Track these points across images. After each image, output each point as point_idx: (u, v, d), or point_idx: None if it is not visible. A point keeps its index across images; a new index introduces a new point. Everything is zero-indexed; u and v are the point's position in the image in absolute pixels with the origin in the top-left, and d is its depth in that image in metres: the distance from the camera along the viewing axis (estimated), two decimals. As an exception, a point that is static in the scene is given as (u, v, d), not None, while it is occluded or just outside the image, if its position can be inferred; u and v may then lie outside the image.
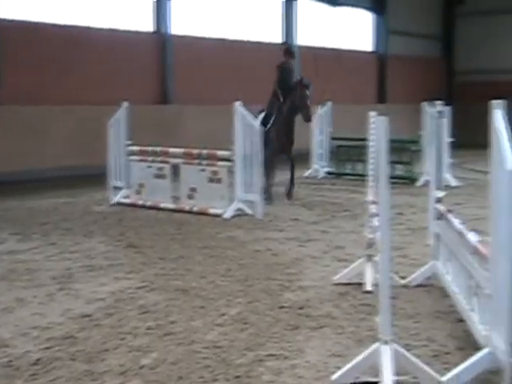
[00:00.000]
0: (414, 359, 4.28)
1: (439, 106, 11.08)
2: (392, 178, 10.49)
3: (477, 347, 4.47)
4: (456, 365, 4.34)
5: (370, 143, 6.18)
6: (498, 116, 4.22)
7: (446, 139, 13.05)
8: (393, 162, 13.56)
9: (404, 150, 14.44)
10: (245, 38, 20.58)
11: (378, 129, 4.68)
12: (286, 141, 12.07)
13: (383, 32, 25.77)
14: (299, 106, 11.83)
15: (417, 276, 6.56)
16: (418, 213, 10.43)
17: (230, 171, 10.63)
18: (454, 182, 13.81)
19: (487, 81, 26.43)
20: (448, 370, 4.33)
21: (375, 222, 5.48)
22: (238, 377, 4.45)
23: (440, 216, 6.27)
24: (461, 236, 5.37)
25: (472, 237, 5.05)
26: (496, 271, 4.17)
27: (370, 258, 6.35)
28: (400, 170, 14.38)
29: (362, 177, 12.33)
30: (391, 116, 5.05)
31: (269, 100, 12.32)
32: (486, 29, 27.39)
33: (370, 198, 6.29)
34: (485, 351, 4.27)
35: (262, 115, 12.04)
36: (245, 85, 19.53)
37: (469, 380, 4.25)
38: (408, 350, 4.38)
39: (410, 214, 10.56)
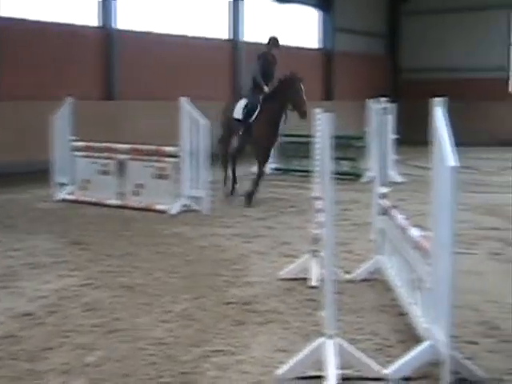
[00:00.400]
0: (357, 353, 4.35)
1: (384, 102, 11.26)
2: (337, 174, 10.60)
3: (419, 340, 4.55)
4: (399, 358, 4.42)
5: (316, 140, 6.22)
6: (438, 114, 4.30)
7: (391, 136, 13.23)
8: (338, 158, 13.60)
9: (349, 146, 14.58)
10: (191, 34, 20.48)
11: (322, 125, 4.73)
12: (272, 136, 11.45)
13: (329, 29, 25.95)
14: (294, 101, 10.98)
15: (361, 271, 6.64)
16: (362, 208, 10.55)
17: (177, 167, 10.58)
18: (398, 178, 14.01)
19: (432, 79, 26.87)
20: (391, 362, 4.41)
21: (320, 217, 5.52)
22: (183, 373, 4.44)
23: (384, 211, 6.36)
24: (404, 231, 5.46)
25: (414, 232, 5.14)
26: (437, 266, 4.26)
27: (315, 253, 6.40)
28: (345, 166, 14.51)
29: (308, 173, 12.40)
30: (337, 113, 5.11)
31: (249, 90, 11.81)
32: (430, 27, 27.82)
33: (315, 193, 6.34)
34: (426, 344, 4.35)
35: (239, 104, 11.61)
36: (191, 80, 19.47)
37: (411, 372, 4.33)
38: (352, 344, 4.44)
39: (356, 210, 10.68)
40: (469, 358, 4.45)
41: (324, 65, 26.05)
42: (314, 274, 6.33)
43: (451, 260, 4.17)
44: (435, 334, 4.28)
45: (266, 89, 11.39)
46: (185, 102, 10.59)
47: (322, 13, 25.91)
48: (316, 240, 6.28)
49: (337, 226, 4.55)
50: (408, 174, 14.86)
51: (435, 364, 4.25)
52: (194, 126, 10.51)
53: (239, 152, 12.18)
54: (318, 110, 6.20)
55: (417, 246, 4.94)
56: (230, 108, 11.85)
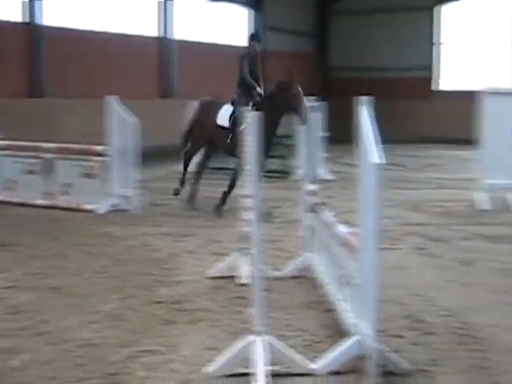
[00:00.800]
0: (286, 349, 4.40)
1: (313, 101, 11.39)
2: (267, 172, 10.69)
3: (346, 335, 4.63)
4: (327, 353, 4.49)
5: (245, 138, 6.24)
6: (363, 112, 4.39)
7: (320, 134, 13.38)
8: (268, 157, 13.73)
9: (279, 144, 14.66)
10: (120, 31, 20.25)
11: (250, 124, 4.76)
12: (266, 147, 9.38)
13: (260, 28, 26.05)
14: (294, 106, 9.71)
15: (290, 268, 6.71)
16: (292, 206, 10.63)
17: (105, 166, 10.45)
18: (327, 176, 14.19)
19: (361, 77, 27.29)
20: (320, 358, 4.47)
21: (249, 215, 5.54)
22: (111, 374, 4.40)
23: (312, 209, 6.44)
24: (332, 228, 5.55)
25: (342, 229, 5.23)
26: (364, 261, 4.34)
27: (244, 251, 6.43)
28: (275, 165, 14.59)
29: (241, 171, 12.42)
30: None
31: (237, 95, 10.46)
32: (360, 27, 28.23)
33: (245, 191, 6.36)
34: (354, 338, 4.43)
35: (225, 110, 10.46)
36: (120, 78, 19.25)
37: (339, 367, 4.41)
38: (281, 341, 4.49)
39: (286, 208, 10.76)
40: (395, 351, 4.55)
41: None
42: (243, 272, 6.36)
43: (377, 256, 4.27)
44: (362, 328, 4.37)
45: (259, 89, 10.32)
46: (112, 101, 10.47)
47: (252, 11, 25.99)
48: (245, 238, 6.30)
49: (266, 223, 4.58)
50: (337, 172, 15.04)
51: (363, 358, 4.33)
52: (123, 124, 10.40)
53: (205, 167, 11.23)
54: (244, 109, 6.24)
55: (344, 243, 5.02)
56: (208, 112, 10.66)
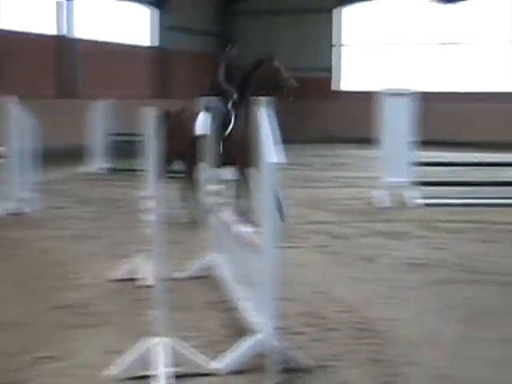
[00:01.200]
0: (188, 350, 4.39)
1: (210, 102, 11.37)
2: (169, 172, 10.60)
3: (249, 334, 4.66)
4: (229, 352, 4.51)
5: (145, 138, 6.19)
6: (262, 112, 4.43)
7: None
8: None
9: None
10: (16, 29, 19.65)
11: (150, 124, 4.73)
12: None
13: (163, 27, 25.88)
14: (275, 84, 9.37)
15: (194, 269, 6.70)
16: (196, 207, 10.62)
17: (2, 169, 10.14)
18: (232, 176, 14.21)
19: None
20: (222, 357, 4.49)
21: (151, 216, 5.50)
22: (12, 382, 4.29)
23: (216, 209, 6.46)
24: (234, 228, 5.58)
25: (243, 228, 5.27)
26: (264, 260, 4.39)
27: (146, 253, 6.37)
28: (178, 165, 14.47)
29: (142, 172, 12.28)
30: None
31: (213, 102, 9.57)
32: (265, 27, 28.43)
33: (146, 193, 6.30)
34: (255, 337, 4.47)
35: (201, 120, 9.56)
36: (15, 78, 18.70)
37: (241, 365, 4.44)
38: (183, 342, 4.48)
39: (189, 208, 10.71)
40: (296, 348, 4.62)
41: (158, 63, 25.93)
42: (146, 274, 6.30)
43: (277, 254, 4.32)
44: (264, 326, 4.41)
45: (235, 96, 9.70)
46: (8, 102, 10.15)
47: (157, 11, 25.77)
48: (147, 239, 6.25)
49: (169, 224, 4.57)
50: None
51: (264, 356, 4.38)
52: (20, 125, 10.11)
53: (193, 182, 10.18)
54: (148, 109, 6.18)
55: (245, 242, 5.06)
56: (181, 124, 9.87)
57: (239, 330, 5.02)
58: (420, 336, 5.18)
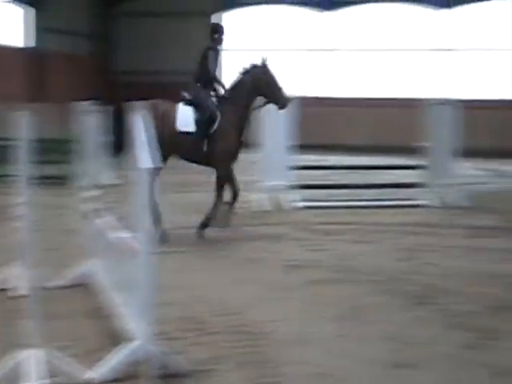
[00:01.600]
0: (64, 360, 4.26)
1: (92, 105, 11.18)
2: (44, 178, 10.30)
3: (126, 341, 4.58)
4: (107, 360, 4.41)
5: (16, 143, 5.98)
6: (136, 117, 4.39)
7: (104, 138, 13.12)
8: (43, 162, 13.17)
9: (57, 149, 14.21)
10: None
11: (21, 128, 4.58)
12: (239, 144, 8.93)
13: (40, 28, 25.10)
14: (268, 90, 8.93)
15: (70, 276, 6.53)
16: (72, 213, 10.33)
17: None
18: (114, 181, 13.91)
19: (149, 81, 26.99)
20: (99, 366, 4.38)
21: (22, 223, 5.32)
22: None
23: (93, 215, 6.32)
24: (111, 234, 5.48)
25: (121, 234, 5.19)
26: (140, 265, 4.33)
27: (19, 261, 6.14)
28: (53, 170, 14.09)
29: (13, 178, 11.86)
30: (44, 115, 4.96)
31: (199, 93, 8.94)
32: (149, 29, 28.06)
33: (17, 199, 6.09)
34: (133, 344, 4.40)
35: (184, 113, 8.78)
36: None
37: (119, 373, 4.35)
38: (59, 351, 4.34)
39: (65, 215, 10.42)
40: (176, 353, 4.58)
41: (31, 65, 25.11)
42: (19, 283, 6.07)
43: (154, 259, 4.28)
44: (141, 333, 4.35)
45: (222, 90, 9.08)
46: None
47: (32, 10, 24.95)
48: (19, 247, 6.03)
49: (44, 231, 4.43)
50: (126, 176, 14.83)
51: (142, 363, 4.31)
52: None
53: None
54: (18, 113, 5.97)
55: (122, 248, 4.98)
56: (163, 117, 8.67)
57: (117, 338, 4.92)
58: (298, 335, 5.28)
